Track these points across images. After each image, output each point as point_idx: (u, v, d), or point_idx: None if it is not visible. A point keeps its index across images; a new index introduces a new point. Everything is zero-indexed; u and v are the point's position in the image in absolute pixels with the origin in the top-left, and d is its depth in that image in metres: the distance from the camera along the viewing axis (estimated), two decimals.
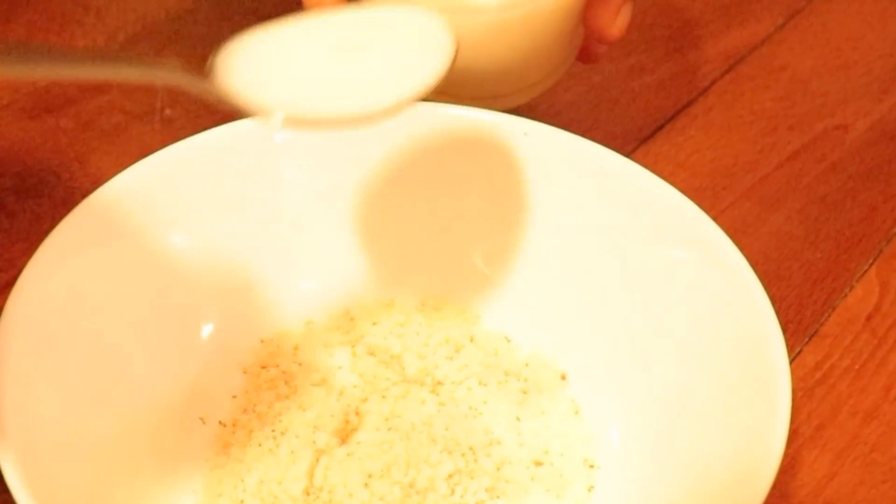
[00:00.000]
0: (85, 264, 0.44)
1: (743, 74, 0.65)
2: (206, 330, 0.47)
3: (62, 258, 0.43)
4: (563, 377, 0.47)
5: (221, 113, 0.60)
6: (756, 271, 0.44)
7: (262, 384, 0.47)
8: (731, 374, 0.43)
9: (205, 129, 0.48)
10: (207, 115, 0.60)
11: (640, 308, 0.47)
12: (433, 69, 0.39)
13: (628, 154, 0.57)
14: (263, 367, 0.47)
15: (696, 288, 0.45)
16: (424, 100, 0.41)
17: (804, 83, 0.65)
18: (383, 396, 0.46)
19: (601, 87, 0.63)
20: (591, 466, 0.45)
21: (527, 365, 0.48)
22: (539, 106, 0.60)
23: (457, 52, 0.40)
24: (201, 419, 0.45)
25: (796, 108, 0.63)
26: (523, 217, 0.49)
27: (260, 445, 0.44)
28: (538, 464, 0.45)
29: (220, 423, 0.45)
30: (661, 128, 0.61)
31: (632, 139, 0.60)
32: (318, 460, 0.43)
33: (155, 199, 0.46)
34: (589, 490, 0.44)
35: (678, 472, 0.42)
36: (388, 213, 0.50)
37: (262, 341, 0.48)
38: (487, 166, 0.49)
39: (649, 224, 0.47)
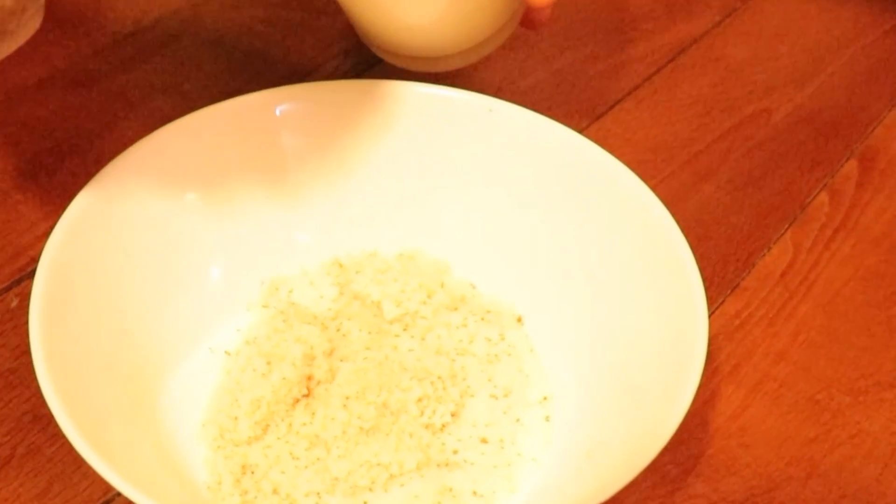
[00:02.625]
0: (112, 214, 0.44)
1: (683, 64, 0.64)
2: (215, 273, 0.47)
3: (93, 209, 0.43)
4: (520, 320, 0.48)
5: (231, 88, 0.60)
6: (688, 232, 0.44)
7: (262, 320, 0.47)
8: (659, 317, 0.43)
9: (216, 101, 0.48)
10: (218, 89, 0.60)
11: (585, 261, 0.47)
12: None
13: (582, 130, 0.57)
14: (264, 306, 0.48)
15: (632, 245, 0.45)
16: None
17: (736, 72, 0.64)
18: (365, 333, 0.46)
19: (561, 72, 0.62)
20: (545, 398, 0.45)
21: (489, 311, 0.48)
22: (506, 88, 0.60)
23: None
24: (210, 349, 0.46)
25: (728, 94, 0.63)
26: (487, 182, 0.49)
27: (255, 370, 0.44)
28: (495, 397, 0.45)
29: (225, 352, 0.46)
30: (611, 108, 0.61)
31: (586, 117, 0.60)
32: (304, 385, 0.44)
33: (173, 160, 0.46)
34: (546, 420, 0.44)
35: (616, 401, 0.43)
36: (373, 177, 0.49)
37: (262, 283, 0.48)
38: (457, 138, 0.49)
39: (596, 191, 0.47)
